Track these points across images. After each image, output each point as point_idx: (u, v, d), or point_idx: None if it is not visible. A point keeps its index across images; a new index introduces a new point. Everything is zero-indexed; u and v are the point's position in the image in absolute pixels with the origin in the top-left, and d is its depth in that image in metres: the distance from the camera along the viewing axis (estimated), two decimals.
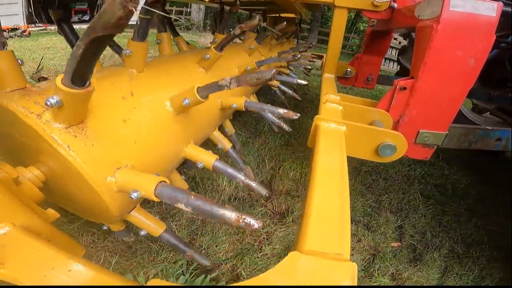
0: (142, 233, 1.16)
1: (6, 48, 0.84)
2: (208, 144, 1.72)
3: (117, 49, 1.54)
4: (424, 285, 1.75)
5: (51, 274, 0.54)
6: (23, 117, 0.77)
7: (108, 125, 0.93)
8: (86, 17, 13.45)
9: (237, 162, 1.80)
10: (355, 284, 0.51)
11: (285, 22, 2.13)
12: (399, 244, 1.99)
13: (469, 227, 2.25)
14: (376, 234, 2.04)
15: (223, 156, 2.38)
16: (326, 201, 0.71)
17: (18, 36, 8.18)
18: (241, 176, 1.31)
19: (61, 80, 0.67)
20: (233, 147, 1.77)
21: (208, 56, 1.53)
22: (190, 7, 14.29)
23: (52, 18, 1.29)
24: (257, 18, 1.39)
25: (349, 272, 0.52)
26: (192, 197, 0.73)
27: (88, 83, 0.71)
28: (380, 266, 1.79)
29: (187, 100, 1.14)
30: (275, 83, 2.41)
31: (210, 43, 1.75)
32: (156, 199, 0.78)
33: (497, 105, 2.75)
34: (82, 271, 0.55)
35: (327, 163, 0.87)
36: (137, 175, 0.85)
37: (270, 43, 3.05)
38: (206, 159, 1.30)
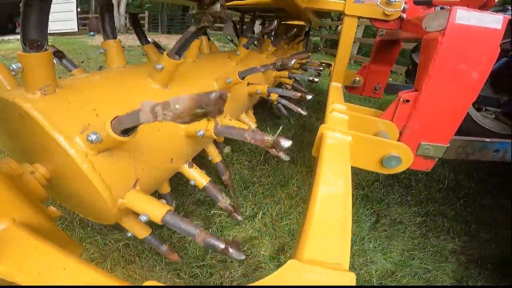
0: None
1: None
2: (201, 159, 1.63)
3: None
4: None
5: (46, 271, 0.54)
6: (9, 98, 0.82)
7: (77, 95, 0.96)
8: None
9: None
10: None
11: (275, 22, 2.01)
12: None
13: None
14: None
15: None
16: (328, 210, 0.70)
17: None
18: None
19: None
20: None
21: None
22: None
23: None
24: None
25: (347, 282, 0.51)
26: None
27: (44, 48, 0.81)
28: None
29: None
30: (273, 97, 2.20)
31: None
32: (118, 138, 0.75)
33: (502, 111, 2.74)
34: (77, 270, 0.55)
35: (331, 173, 0.86)
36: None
37: (267, 49, 2.86)
38: None
